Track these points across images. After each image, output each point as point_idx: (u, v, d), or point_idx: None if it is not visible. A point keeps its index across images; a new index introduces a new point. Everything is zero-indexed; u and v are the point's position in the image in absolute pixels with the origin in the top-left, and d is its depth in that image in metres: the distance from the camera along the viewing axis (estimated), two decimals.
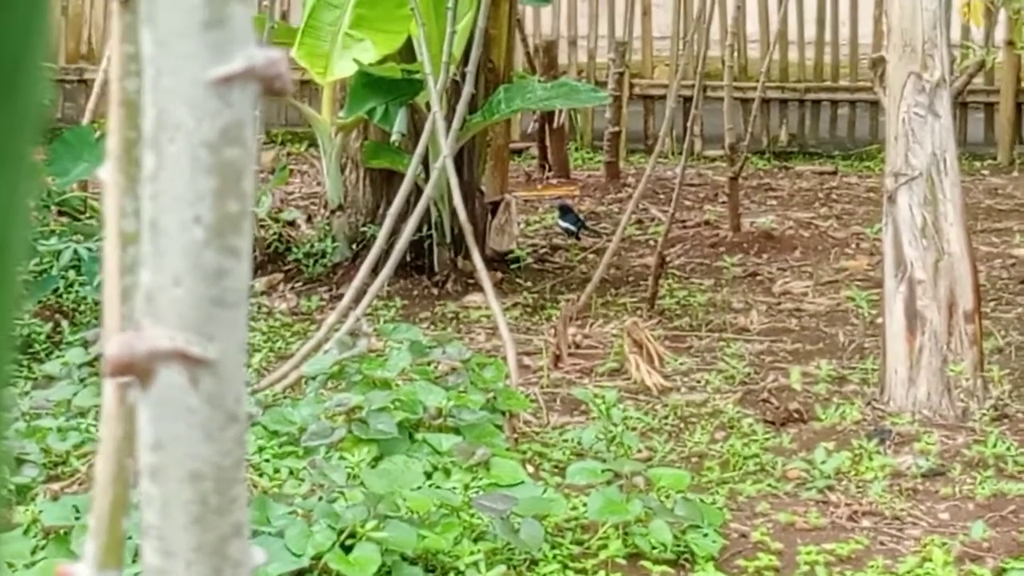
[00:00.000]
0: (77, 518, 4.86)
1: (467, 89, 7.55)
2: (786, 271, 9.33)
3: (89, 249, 7.61)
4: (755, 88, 10.58)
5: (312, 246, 9.24)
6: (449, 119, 7.46)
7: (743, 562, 5.20)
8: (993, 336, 7.53)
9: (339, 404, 5.77)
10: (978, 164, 12.57)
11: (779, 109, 13.44)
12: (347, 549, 4.77)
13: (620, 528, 5.20)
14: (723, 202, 10.71)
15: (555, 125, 12.22)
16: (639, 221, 10.56)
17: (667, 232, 8.72)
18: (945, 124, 6.61)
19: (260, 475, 5.52)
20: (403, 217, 7.22)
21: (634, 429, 6.42)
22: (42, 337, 7.45)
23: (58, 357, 6.87)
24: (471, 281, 8.51)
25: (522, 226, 10.21)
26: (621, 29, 13.39)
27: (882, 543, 5.41)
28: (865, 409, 6.64)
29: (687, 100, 12.01)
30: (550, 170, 12.28)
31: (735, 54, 11.51)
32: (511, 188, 10.39)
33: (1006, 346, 7.55)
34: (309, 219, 9.87)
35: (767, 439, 6.40)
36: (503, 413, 6.10)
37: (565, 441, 6.26)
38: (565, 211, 10.24)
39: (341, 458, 5.44)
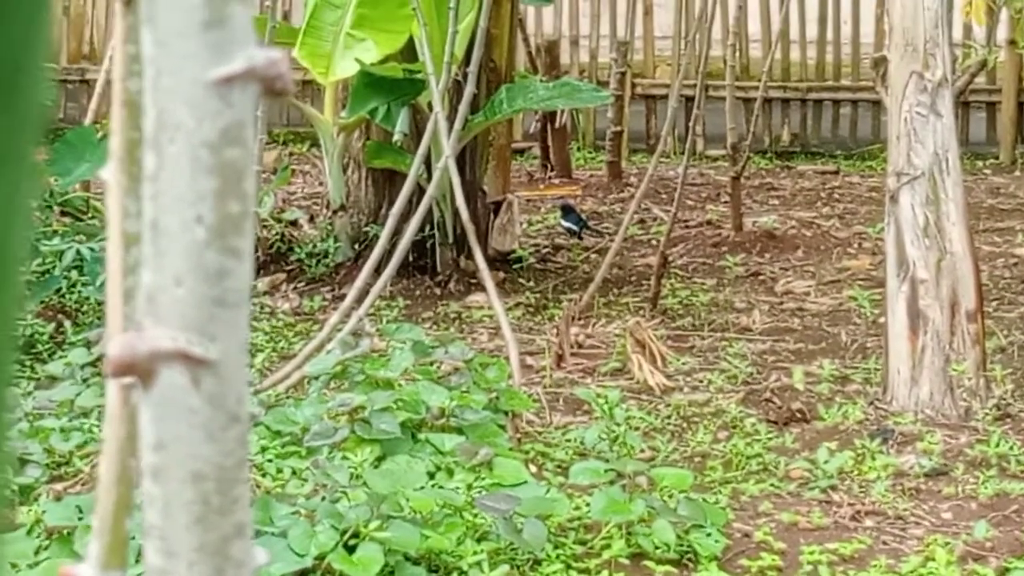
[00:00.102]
0: (80, 518, 4.87)
1: (469, 89, 7.55)
2: (788, 271, 9.33)
3: (92, 249, 7.62)
4: (757, 87, 10.58)
5: (314, 246, 9.25)
6: (451, 119, 7.46)
7: (746, 562, 5.20)
8: (996, 335, 7.52)
9: (342, 404, 5.77)
10: (980, 163, 12.57)
11: (781, 109, 13.44)
12: (350, 549, 4.77)
13: (623, 528, 5.20)
14: (725, 202, 10.71)
15: (557, 125, 12.22)
16: (641, 221, 10.56)
17: (669, 232, 8.72)
18: (947, 123, 6.60)
19: (263, 475, 5.52)
20: (405, 217, 7.22)
21: (637, 429, 6.42)
22: (45, 337, 7.45)
23: (61, 357, 6.87)
24: (473, 281, 8.51)
25: (524, 226, 10.21)
26: (623, 29, 13.38)
27: (885, 543, 5.41)
28: (868, 409, 6.64)
29: (689, 100, 12.02)
30: (552, 170, 12.28)
31: (737, 53, 11.51)
32: (513, 188, 10.39)
33: (1009, 345, 7.54)
34: (311, 219, 9.87)
35: (770, 439, 6.40)
36: (506, 413, 6.10)
37: (568, 441, 6.25)
38: (567, 211, 10.24)
39: (344, 458, 5.44)
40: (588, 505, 5.34)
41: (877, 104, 12.20)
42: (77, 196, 8.77)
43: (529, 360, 7.37)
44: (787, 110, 13.44)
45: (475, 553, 4.98)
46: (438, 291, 8.82)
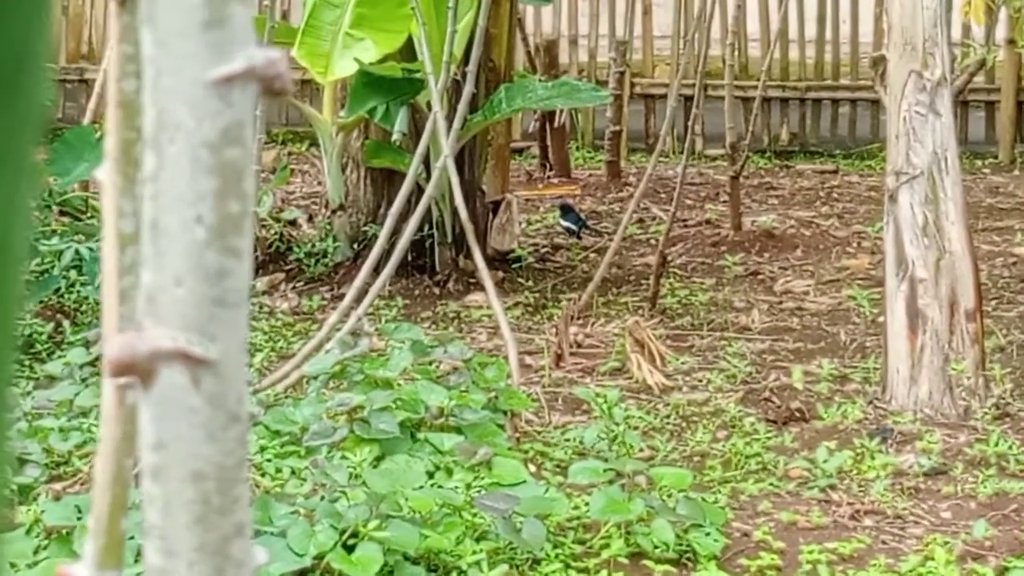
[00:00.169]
0: (79, 518, 4.87)
1: (468, 88, 7.54)
2: (787, 270, 9.33)
3: (90, 249, 7.62)
4: (756, 87, 10.58)
5: (313, 246, 9.25)
6: (450, 118, 7.46)
7: (745, 561, 5.20)
8: (995, 335, 7.52)
9: (341, 404, 5.77)
10: (979, 163, 12.57)
11: (780, 108, 13.44)
12: (349, 549, 4.77)
13: (622, 527, 5.20)
14: (724, 201, 10.71)
15: (556, 124, 12.22)
16: (640, 220, 10.56)
17: (668, 231, 8.72)
18: (946, 123, 6.60)
19: (262, 475, 5.52)
20: (404, 216, 7.22)
21: (636, 428, 6.42)
22: (44, 337, 7.45)
23: (60, 357, 6.88)
24: (472, 280, 8.51)
25: (523, 225, 10.21)
26: (622, 28, 13.38)
27: (884, 542, 5.41)
28: (867, 408, 6.64)
29: (688, 99, 12.02)
30: (551, 169, 12.28)
31: (736, 53, 11.51)
32: (512, 187, 10.39)
33: (1008, 345, 7.55)
34: (310, 219, 9.87)
35: (769, 438, 6.40)
36: (505, 412, 6.11)
37: (567, 440, 6.26)
38: (566, 210, 10.24)
39: (343, 458, 5.44)
40: (587, 504, 5.34)
41: (876, 103, 12.20)
42: (76, 196, 8.77)
43: (528, 359, 7.37)
44: (786, 109, 13.44)
45: (474, 552, 4.98)
46: (437, 291, 8.82)
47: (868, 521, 5.58)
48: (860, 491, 5.84)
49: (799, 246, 9.86)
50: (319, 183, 11.03)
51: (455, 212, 7.89)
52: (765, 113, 12.98)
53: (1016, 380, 6.87)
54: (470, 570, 4.92)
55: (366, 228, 9.13)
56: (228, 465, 0.96)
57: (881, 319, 7.12)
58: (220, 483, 0.96)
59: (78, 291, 7.80)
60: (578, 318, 7.98)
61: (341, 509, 4.85)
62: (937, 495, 5.82)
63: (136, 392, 0.98)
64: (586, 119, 13.52)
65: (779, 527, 5.49)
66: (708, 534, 5.24)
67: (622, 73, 12.38)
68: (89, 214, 8.76)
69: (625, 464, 5.53)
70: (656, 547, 5.14)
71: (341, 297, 7.61)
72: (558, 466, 5.95)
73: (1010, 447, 6.17)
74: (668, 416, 6.70)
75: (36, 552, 4.90)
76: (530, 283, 9.04)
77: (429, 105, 7.80)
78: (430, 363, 6.37)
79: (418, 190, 7.64)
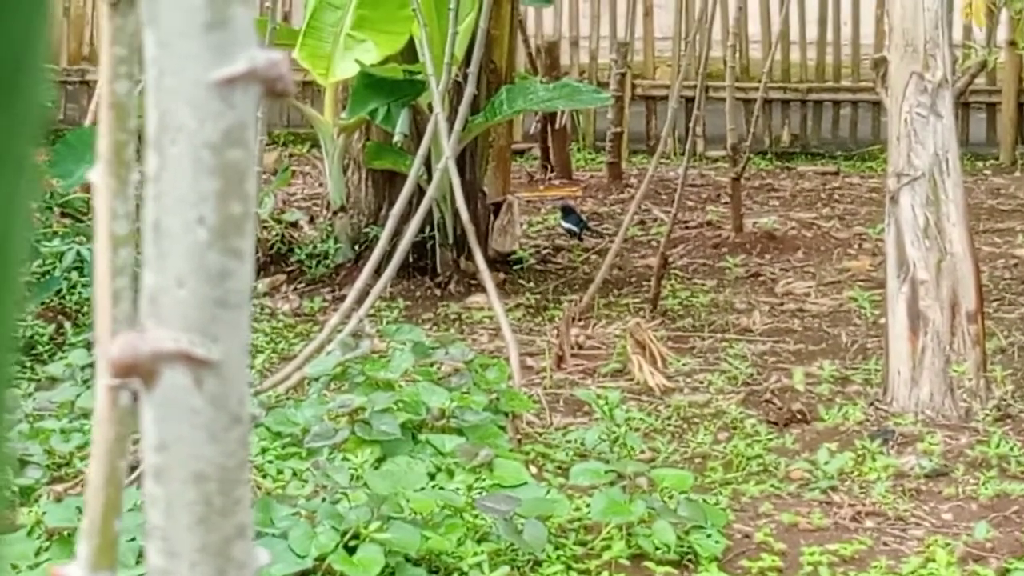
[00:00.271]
0: (80, 520, 4.86)
1: (469, 90, 7.54)
2: (789, 272, 9.33)
3: (92, 251, 7.61)
4: (757, 88, 10.58)
5: (314, 247, 9.25)
6: (451, 120, 7.46)
7: (746, 563, 5.20)
8: (996, 336, 7.52)
9: (342, 405, 5.77)
10: (980, 164, 12.57)
11: (781, 109, 13.44)
12: (351, 550, 4.77)
13: (623, 529, 5.20)
14: (725, 203, 10.71)
15: (557, 126, 12.22)
16: (641, 222, 10.56)
17: (669, 233, 8.72)
18: (947, 124, 6.60)
19: (263, 476, 5.52)
20: (405, 218, 7.22)
21: (637, 430, 6.42)
22: (45, 338, 7.45)
23: (61, 358, 6.88)
24: (474, 282, 8.51)
25: (524, 227, 10.21)
26: (623, 30, 13.38)
27: (885, 544, 5.41)
28: (868, 410, 6.64)
29: (689, 101, 12.02)
30: (552, 171, 12.28)
31: (737, 54, 11.51)
32: (513, 189, 10.39)
33: (1009, 346, 7.55)
34: (311, 220, 9.87)
35: (770, 440, 6.40)
36: (506, 414, 6.10)
37: (568, 442, 6.25)
38: (567, 212, 10.24)
39: (344, 459, 5.44)
40: (588, 506, 5.34)
41: (877, 105, 12.20)
42: (77, 197, 8.77)
43: (529, 361, 7.37)
44: (787, 111, 13.44)
45: (475, 554, 4.98)
46: (438, 292, 8.82)
47: (869, 523, 5.58)
48: (861, 492, 5.84)
49: (800, 248, 9.86)
50: (320, 185, 11.03)
51: (456, 213, 7.89)
52: (766, 115, 12.98)
53: (1017, 382, 6.87)
54: (471, 571, 4.92)
55: (367, 229, 9.13)
56: (230, 466, 0.96)
57: (882, 321, 7.12)
58: (222, 484, 0.96)
59: (79, 292, 7.80)
60: (579, 319, 7.98)
61: (342, 510, 4.85)
62: (938, 497, 5.82)
63: (129, 393, 0.98)
64: (587, 121, 13.52)
65: (780, 528, 5.49)
66: (709, 536, 5.24)
67: (623, 74, 12.38)
68: (91, 216, 8.75)
69: (626, 466, 5.53)
70: (657, 548, 5.14)
71: (342, 299, 7.61)
72: (559, 467, 5.95)
73: (1011, 449, 6.16)
74: (669, 418, 6.70)
75: (38, 554, 4.91)
76: (531, 285, 9.04)
77: (430, 107, 7.79)
78: (431, 364, 6.37)
79: (419, 191, 7.64)
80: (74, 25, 14.22)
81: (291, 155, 12.88)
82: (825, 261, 9.56)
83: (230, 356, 0.95)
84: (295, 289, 8.97)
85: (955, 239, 6.58)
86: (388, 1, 8.38)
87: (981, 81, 12.07)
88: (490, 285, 7.01)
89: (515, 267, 9.25)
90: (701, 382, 7.19)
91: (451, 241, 8.85)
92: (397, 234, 7.16)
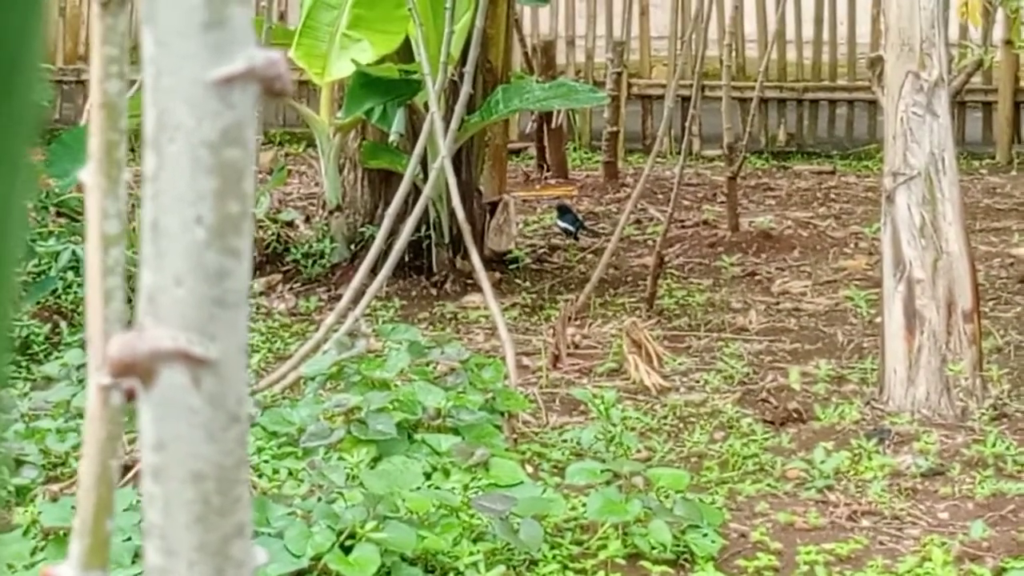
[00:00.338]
0: None
1: (465, 89, 7.54)
2: (785, 271, 9.34)
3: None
4: (753, 88, 10.58)
5: (310, 247, 9.24)
6: (447, 119, 7.46)
7: (742, 562, 5.20)
8: (992, 335, 7.53)
9: (338, 405, 5.77)
10: (976, 163, 12.58)
11: (777, 109, 13.44)
12: (346, 550, 4.77)
13: (619, 528, 5.20)
14: (721, 202, 10.71)
15: (553, 125, 12.23)
16: (637, 221, 10.56)
17: (665, 232, 8.72)
18: (943, 123, 6.61)
19: (259, 476, 5.52)
20: (401, 217, 7.22)
21: (633, 429, 6.42)
22: (41, 338, 7.45)
23: (57, 358, 6.88)
24: (470, 281, 8.52)
25: (520, 226, 10.21)
26: (619, 29, 13.39)
27: (881, 543, 5.41)
28: (864, 409, 6.64)
29: (685, 100, 12.00)
30: (548, 170, 12.29)
31: (733, 54, 11.51)
32: (509, 188, 10.39)
33: (1005, 345, 7.55)
34: (307, 220, 9.87)
35: (766, 439, 6.40)
36: (502, 413, 6.10)
37: (564, 441, 6.26)
38: (563, 211, 10.24)
39: (340, 459, 5.44)
40: (584, 505, 5.34)
41: (873, 104, 12.21)
42: (73, 197, 8.77)
43: (525, 360, 7.37)
44: (783, 110, 13.45)
45: (471, 553, 4.98)
46: (434, 291, 8.82)
47: (865, 522, 5.58)
48: (857, 492, 5.84)
49: (796, 247, 9.86)
50: (316, 184, 11.03)
51: (452, 213, 7.88)
52: (762, 114, 12.99)
53: (1013, 381, 6.87)
54: (467, 571, 4.92)
55: (363, 229, 9.13)
56: (228, 465, 0.96)
57: (878, 320, 7.12)
58: (220, 483, 0.96)
59: (75, 292, 7.80)
60: (575, 319, 7.98)
61: (338, 510, 4.85)
62: (934, 496, 5.82)
63: (121, 393, 0.98)
64: (583, 120, 13.52)
65: (776, 528, 5.49)
66: (705, 535, 5.24)
67: (619, 74, 12.38)
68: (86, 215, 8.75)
69: (622, 465, 5.53)
70: (653, 548, 5.15)
71: (338, 298, 7.61)
72: (555, 467, 5.95)
73: (1007, 448, 6.17)
74: (665, 417, 6.70)
75: (33, 553, 4.91)
76: (527, 284, 9.04)
77: (426, 106, 7.80)
78: (427, 364, 6.37)
79: (415, 191, 7.64)
80: (70, 25, 14.21)
81: (287, 154, 12.89)
82: (821, 260, 9.56)
83: (228, 355, 0.95)
84: (291, 288, 8.97)
85: (951, 238, 6.58)
86: (384, 1, 8.38)
87: (977, 80, 12.08)
88: (486, 284, 7.01)
89: (511, 266, 9.25)
90: (697, 381, 7.20)
91: (447, 240, 8.85)
92: (393, 233, 7.16)
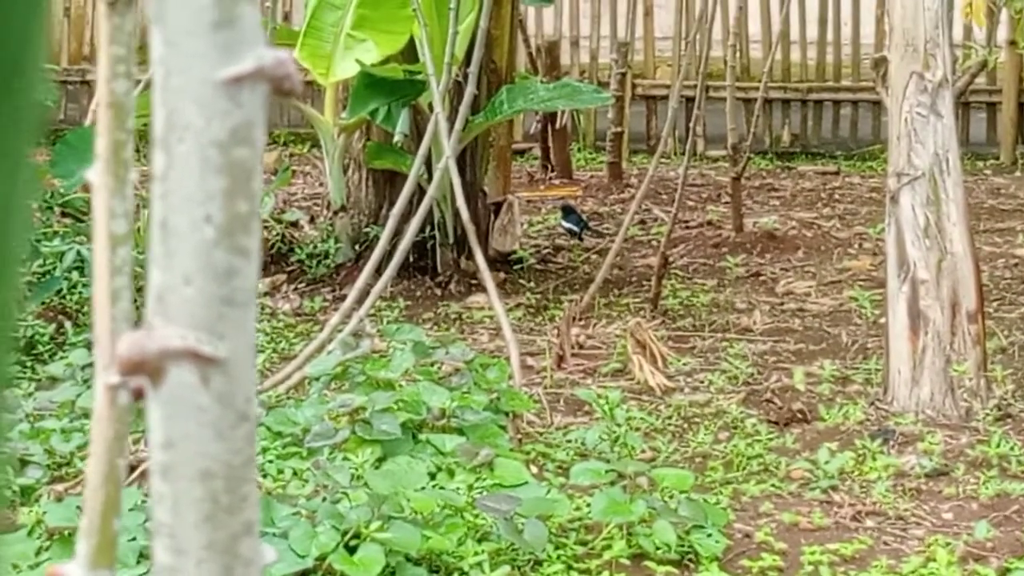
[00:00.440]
0: (81, 519, 4.86)
1: (469, 90, 7.55)
2: (789, 271, 9.34)
3: (92, 250, 7.62)
4: (757, 88, 10.58)
5: (315, 247, 9.25)
6: (452, 120, 7.47)
7: (747, 562, 5.20)
8: (996, 336, 7.53)
9: (342, 405, 5.77)
10: (981, 164, 12.57)
11: (781, 109, 13.44)
12: (351, 550, 4.77)
13: (624, 528, 5.20)
14: (726, 202, 10.71)
15: (558, 126, 12.23)
16: (642, 221, 10.56)
17: (670, 232, 8.72)
18: (947, 124, 6.61)
19: (264, 476, 5.52)
20: (406, 218, 7.22)
21: (638, 429, 6.43)
22: (46, 338, 7.46)
23: (62, 358, 6.88)
24: (474, 282, 8.51)
25: (525, 227, 10.21)
26: (623, 29, 13.38)
27: (886, 543, 5.41)
28: (868, 409, 6.64)
29: (689, 100, 12.03)
30: (553, 171, 12.29)
31: (737, 54, 11.52)
32: (514, 189, 10.39)
33: (1009, 346, 7.55)
34: (312, 220, 9.88)
35: (771, 439, 6.40)
36: (507, 414, 6.11)
37: (569, 442, 6.26)
38: (568, 212, 10.24)
39: (345, 459, 5.44)
40: (589, 506, 5.34)
41: (877, 104, 12.21)
42: (78, 197, 8.77)
43: (530, 361, 7.37)
44: (787, 111, 13.45)
45: (476, 554, 4.99)
46: (439, 292, 8.82)
47: (870, 522, 5.58)
48: (862, 492, 5.84)
49: (800, 247, 9.86)
50: (321, 184, 11.03)
51: (457, 213, 7.89)
52: (767, 114, 12.98)
53: (1018, 381, 6.87)
54: (472, 571, 4.93)
55: (368, 229, 9.13)
56: (236, 464, 0.96)
57: (883, 320, 7.12)
58: (228, 481, 0.96)
59: (80, 292, 7.80)
60: (580, 319, 7.98)
61: (343, 510, 4.85)
62: (939, 496, 5.82)
63: (128, 392, 0.99)
64: (588, 120, 13.52)
65: (781, 528, 5.49)
66: (710, 535, 5.24)
67: (623, 74, 12.38)
68: (91, 215, 8.75)
69: (627, 465, 5.53)
70: (658, 548, 5.15)
71: (343, 298, 7.61)
72: (560, 467, 5.96)
73: (1012, 448, 6.17)
74: (670, 417, 6.71)
75: (38, 553, 4.91)
76: (532, 284, 9.04)
77: (431, 106, 7.80)
78: (432, 364, 6.37)
79: (420, 191, 7.64)
80: (74, 25, 14.22)
81: (291, 155, 12.89)
82: (825, 261, 9.56)
83: (237, 354, 0.95)
84: (295, 289, 8.98)
85: (955, 239, 6.58)
86: (388, 1, 8.38)
87: (981, 81, 12.08)
88: (490, 285, 7.01)
89: (515, 267, 9.25)
90: (702, 382, 7.20)
91: (451, 241, 8.85)
92: (397, 234, 7.17)
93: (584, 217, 10.39)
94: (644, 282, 8.91)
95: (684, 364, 7.44)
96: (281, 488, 5.39)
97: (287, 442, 5.76)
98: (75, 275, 7.79)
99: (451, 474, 5.48)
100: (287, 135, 13.58)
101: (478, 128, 8.79)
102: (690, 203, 11.07)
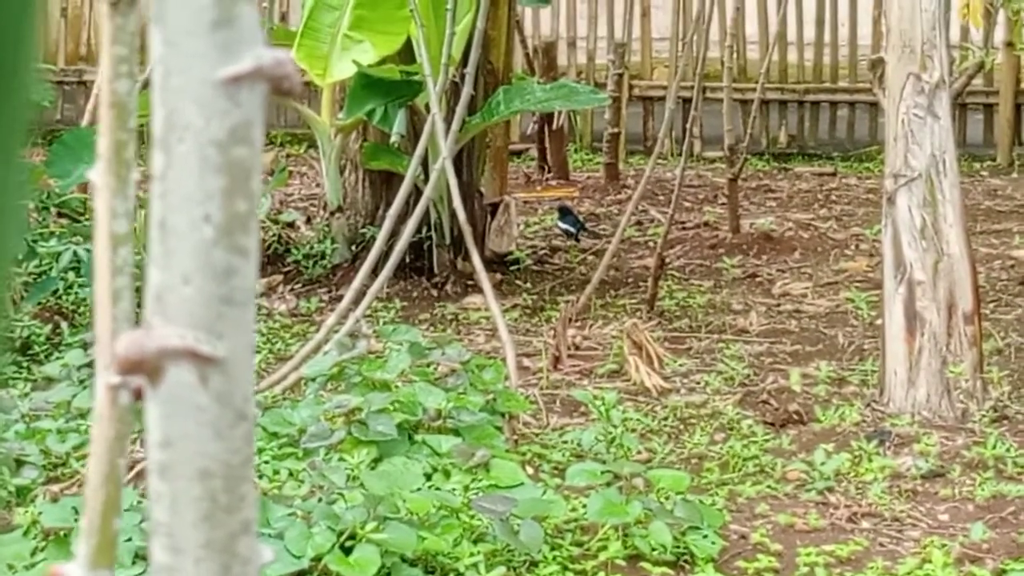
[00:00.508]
0: (77, 520, 4.86)
1: (466, 90, 7.55)
2: (785, 272, 9.34)
3: (89, 251, 7.61)
4: (754, 89, 10.58)
5: (311, 247, 9.25)
6: (448, 120, 7.47)
7: (743, 563, 5.21)
8: (992, 337, 7.53)
9: (338, 406, 5.77)
10: (977, 165, 12.57)
11: (778, 110, 13.45)
12: (347, 551, 4.77)
13: (620, 529, 5.20)
14: (722, 203, 10.71)
15: (554, 126, 12.23)
16: (638, 222, 10.56)
17: (666, 233, 8.72)
18: (944, 125, 6.61)
19: (260, 477, 5.52)
20: (402, 218, 7.22)
21: (633, 430, 6.43)
22: (42, 339, 7.45)
23: (58, 359, 6.88)
24: (470, 283, 8.52)
25: (521, 227, 10.21)
26: (620, 30, 13.39)
27: (882, 544, 5.42)
28: (864, 410, 6.64)
29: (686, 101, 12.01)
30: (549, 171, 12.28)
31: (734, 55, 11.52)
32: (510, 189, 10.39)
33: (1005, 347, 7.55)
34: (308, 221, 9.88)
35: (767, 440, 6.41)
36: (503, 415, 6.11)
37: (565, 442, 6.26)
38: (564, 212, 10.24)
39: (341, 460, 5.44)
40: (585, 507, 5.34)
41: (874, 106, 12.21)
42: (74, 197, 8.77)
43: (526, 362, 7.37)
44: (784, 112, 13.45)
45: (472, 554, 4.99)
46: (435, 293, 8.82)
47: (866, 523, 5.59)
48: (858, 493, 5.84)
49: (797, 248, 9.87)
50: (317, 185, 11.04)
51: (453, 214, 7.89)
52: (763, 115, 12.98)
53: (1014, 382, 6.88)
54: (467, 572, 4.93)
55: (364, 230, 9.13)
56: (235, 463, 0.96)
57: (879, 321, 7.12)
58: (227, 481, 0.96)
59: (76, 293, 7.80)
60: (576, 320, 7.98)
61: (339, 511, 4.85)
62: (935, 497, 5.82)
63: (129, 392, 0.99)
64: (584, 121, 13.52)
65: (777, 529, 5.50)
66: (706, 536, 5.25)
67: (620, 75, 12.38)
68: (87, 216, 8.75)
69: (623, 466, 5.54)
70: (654, 549, 5.15)
71: (339, 299, 7.61)
72: (556, 468, 5.96)
73: (1008, 450, 6.17)
74: (666, 418, 6.71)
75: (34, 554, 4.91)
76: (528, 285, 9.05)
77: (427, 107, 7.80)
78: (428, 365, 6.37)
79: (416, 192, 7.64)
80: (71, 25, 14.21)
81: (288, 155, 12.89)
82: (822, 262, 9.56)
83: (235, 353, 0.95)
84: (292, 289, 8.98)
85: (952, 240, 6.59)
86: (385, 2, 8.39)
87: (978, 82, 12.09)
88: (487, 286, 7.01)
89: (512, 268, 9.25)
90: (698, 383, 7.20)
91: (448, 242, 8.86)
92: (394, 234, 7.17)
93: (581, 218, 10.39)
94: (640, 283, 8.91)
95: (680, 365, 7.44)
96: (277, 489, 5.39)
97: (283, 443, 5.76)
98: (71, 275, 7.79)
99: (447, 475, 5.48)
100: (284, 136, 13.58)
101: (475, 129, 8.80)
102: (687, 204, 11.07)
